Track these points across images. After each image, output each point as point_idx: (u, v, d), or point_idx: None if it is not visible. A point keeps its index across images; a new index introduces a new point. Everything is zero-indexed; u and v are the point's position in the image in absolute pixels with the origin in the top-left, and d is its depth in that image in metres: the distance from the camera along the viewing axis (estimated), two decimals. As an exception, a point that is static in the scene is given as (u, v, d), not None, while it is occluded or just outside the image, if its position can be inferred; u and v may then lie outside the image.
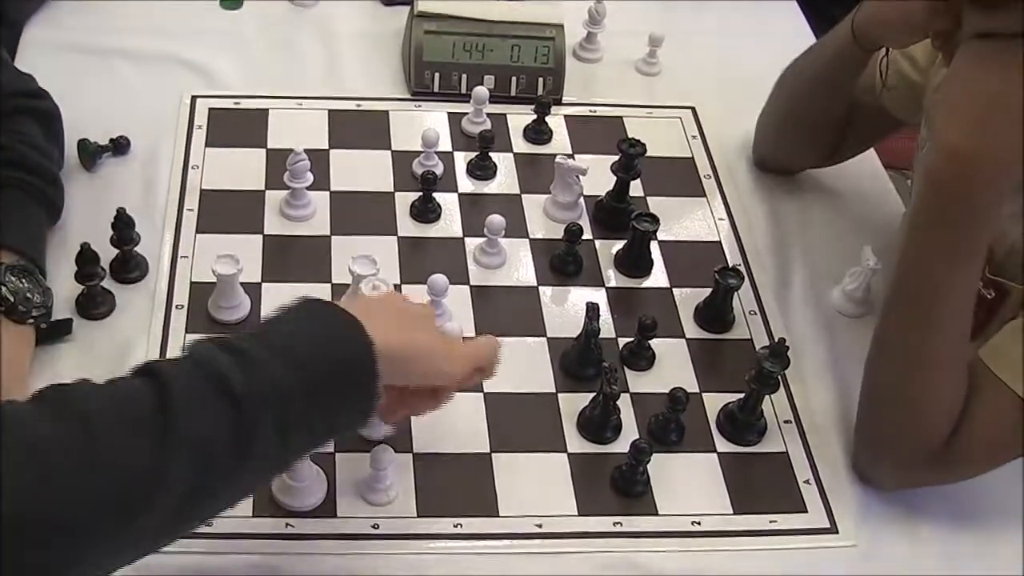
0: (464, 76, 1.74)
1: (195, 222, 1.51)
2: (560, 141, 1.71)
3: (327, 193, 1.57)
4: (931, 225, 1.20)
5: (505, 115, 1.73)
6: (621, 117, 1.77)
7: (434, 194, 1.55)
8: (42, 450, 0.86)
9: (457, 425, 1.32)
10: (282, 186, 1.52)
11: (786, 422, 1.38)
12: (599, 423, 1.33)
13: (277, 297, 1.40)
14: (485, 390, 1.36)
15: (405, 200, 1.57)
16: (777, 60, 1.67)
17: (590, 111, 1.78)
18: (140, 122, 1.62)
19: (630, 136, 1.59)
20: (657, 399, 1.35)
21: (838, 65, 1.51)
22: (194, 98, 1.69)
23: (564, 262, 1.51)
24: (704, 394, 1.40)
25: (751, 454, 1.35)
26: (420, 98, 1.75)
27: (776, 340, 1.33)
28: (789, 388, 1.41)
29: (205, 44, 1.78)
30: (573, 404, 1.36)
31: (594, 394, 1.34)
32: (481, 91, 1.67)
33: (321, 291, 1.43)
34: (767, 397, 1.35)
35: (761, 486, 1.32)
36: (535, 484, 1.29)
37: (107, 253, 1.40)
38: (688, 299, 1.50)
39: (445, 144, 1.66)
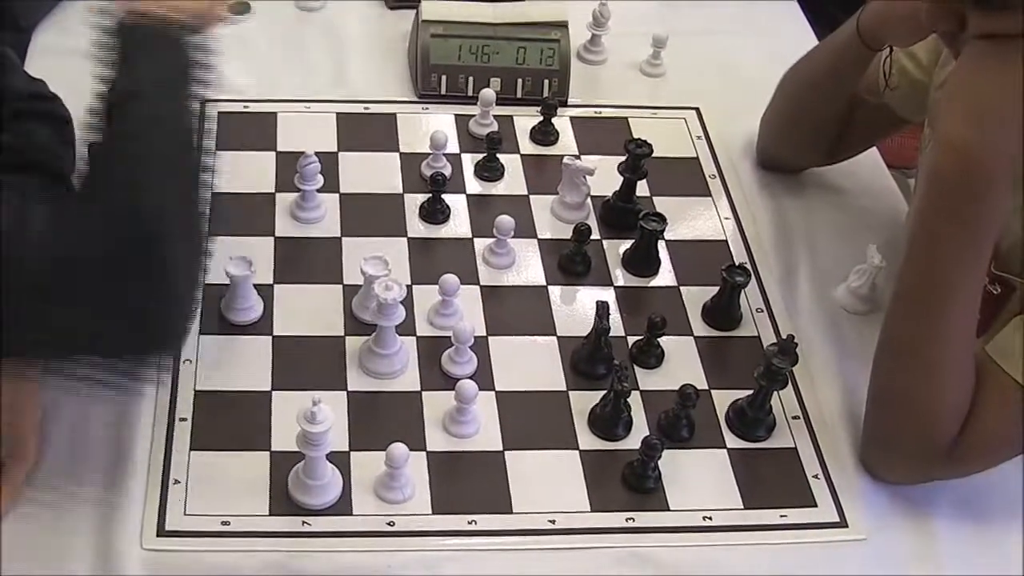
0: (470, 78, 1.75)
1: (207, 224, 1.51)
2: (566, 142, 1.73)
3: (337, 195, 1.58)
4: (936, 221, 1.21)
5: (512, 117, 1.75)
6: (626, 118, 1.78)
7: (443, 195, 1.57)
8: None
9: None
10: (292, 188, 1.54)
11: (794, 418, 1.40)
12: (610, 420, 1.34)
13: (289, 298, 1.43)
14: (496, 389, 1.38)
15: (414, 201, 1.59)
16: (779, 60, 1.69)
17: (595, 112, 1.79)
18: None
19: (636, 137, 1.61)
20: (667, 396, 1.36)
21: (842, 64, 1.53)
22: (203, 102, 1.69)
23: (573, 262, 1.52)
24: (713, 391, 1.41)
25: (760, 449, 1.36)
26: (427, 100, 1.76)
27: (784, 337, 1.34)
28: (797, 384, 1.43)
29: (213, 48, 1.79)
30: (584, 402, 1.37)
31: (605, 392, 1.35)
32: (488, 93, 1.68)
33: (333, 292, 1.46)
34: (775, 393, 1.37)
35: (771, 481, 1.34)
36: (548, 481, 1.30)
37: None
38: (696, 297, 1.51)
39: (452, 146, 1.68)
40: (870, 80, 1.54)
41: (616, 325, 1.45)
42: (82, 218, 1.08)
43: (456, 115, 1.74)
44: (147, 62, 1.19)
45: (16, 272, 1.03)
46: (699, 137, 1.77)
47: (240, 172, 1.60)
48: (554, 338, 1.44)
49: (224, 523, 1.23)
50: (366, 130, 1.70)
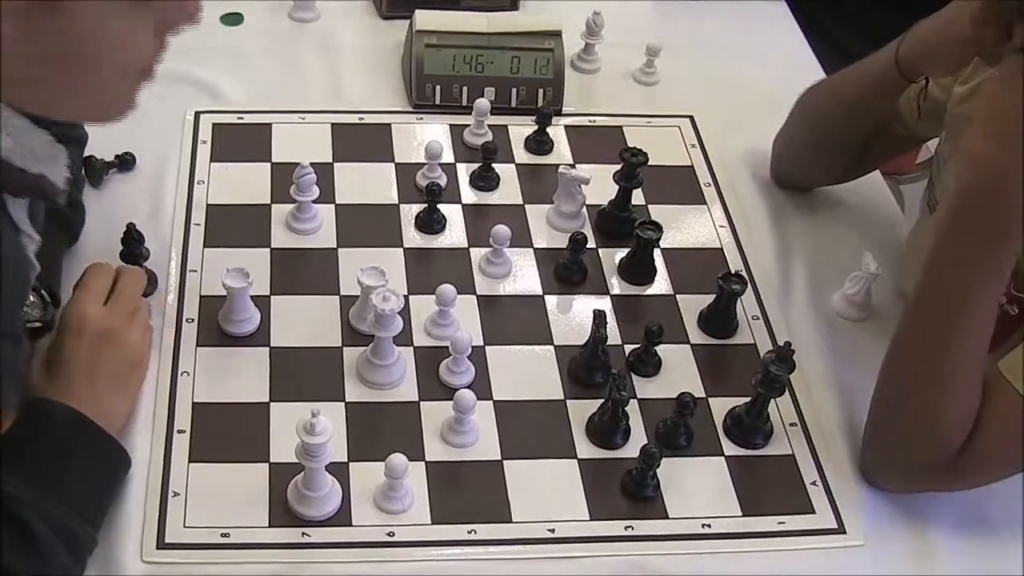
0: (465, 88, 1.75)
1: (203, 236, 1.52)
2: (561, 151, 1.73)
3: (332, 206, 1.58)
4: (959, 237, 1.20)
5: (506, 126, 1.75)
6: (621, 127, 1.79)
7: (438, 205, 1.57)
8: None
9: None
10: (288, 199, 1.54)
11: (791, 425, 1.40)
12: (608, 429, 1.34)
13: (287, 309, 1.44)
14: (494, 398, 1.38)
15: (410, 212, 1.59)
16: (772, 69, 1.70)
17: (590, 121, 1.80)
18: (145, 139, 1.63)
19: (630, 145, 1.61)
20: (664, 404, 1.37)
21: (875, 92, 1.51)
22: (198, 114, 1.70)
23: (569, 271, 1.53)
24: (710, 399, 1.41)
25: (758, 457, 1.37)
26: (421, 111, 1.77)
27: (781, 344, 1.34)
28: (794, 391, 1.43)
29: (207, 61, 1.80)
30: (582, 410, 1.37)
31: (603, 400, 1.35)
32: (483, 103, 1.69)
33: (330, 303, 1.46)
34: (773, 401, 1.37)
35: (769, 488, 1.34)
36: (546, 490, 1.31)
37: (118, 269, 1.41)
38: (692, 305, 1.52)
39: (448, 156, 1.68)
40: (904, 110, 1.54)
41: (613, 334, 1.45)
42: None
43: (451, 125, 1.75)
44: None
45: None
46: (693, 145, 1.77)
47: (235, 184, 1.61)
48: (551, 347, 1.45)
49: (224, 535, 1.23)
50: (361, 141, 1.71)
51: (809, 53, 1.98)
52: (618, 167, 1.57)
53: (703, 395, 1.41)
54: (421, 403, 1.37)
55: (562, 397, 1.39)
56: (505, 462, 1.32)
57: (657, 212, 1.64)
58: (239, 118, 1.71)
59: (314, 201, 1.53)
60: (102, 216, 1.51)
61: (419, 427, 1.34)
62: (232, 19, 1.89)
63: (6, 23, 0.99)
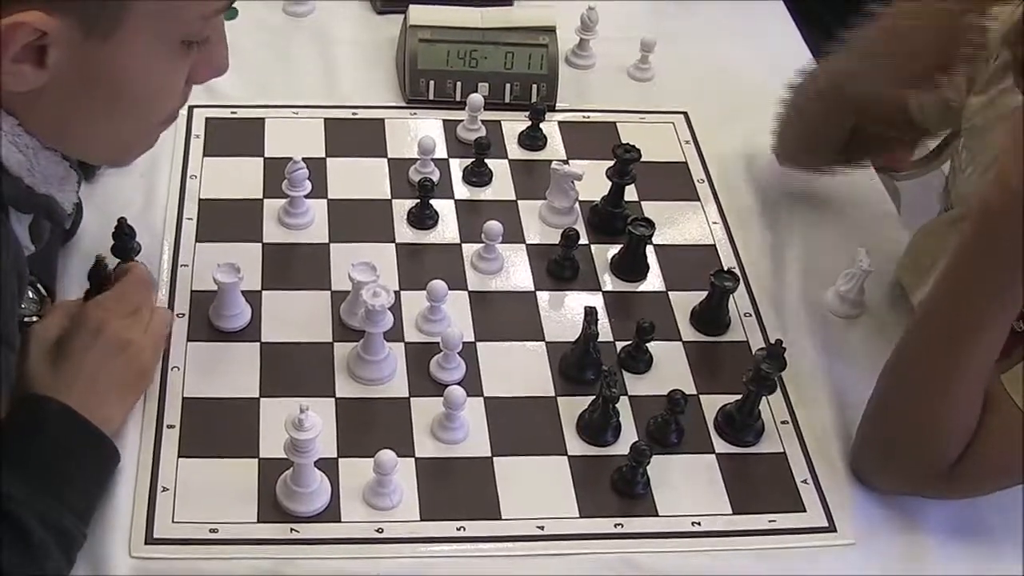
0: (458, 84, 1.75)
1: (195, 231, 1.52)
2: (555, 147, 1.73)
3: (325, 201, 1.58)
4: (978, 258, 1.19)
5: (500, 122, 1.74)
6: (615, 123, 1.78)
7: (431, 201, 1.57)
8: None
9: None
10: (280, 195, 1.53)
11: (783, 423, 1.40)
12: (599, 426, 1.34)
13: (278, 305, 1.43)
14: (485, 394, 1.37)
15: (402, 207, 1.58)
16: (767, 64, 1.70)
17: (584, 117, 1.79)
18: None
19: (624, 141, 1.61)
20: (655, 401, 1.36)
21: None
22: (191, 108, 1.70)
23: (561, 267, 1.52)
24: (701, 396, 1.41)
25: (749, 455, 1.36)
26: (415, 106, 1.76)
27: (773, 342, 1.34)
28: (785, 389, 1.42)
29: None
30: (573, 407, 1.37)
31: (593, 397, 1.35)
32: (476, 99, 1.68)
33: (321, 298, 1.45)
34: (764, 398, 1.36)
35: (760, 486, 1.34)
36: (536, 487, 1.30)
37: (109, 263, 1.41)
38: (684, 302, 1.51)
39: (441, 151, 1.68)
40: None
41: (604, 330, 1.45)
42: None
43: (444, 120, 1.74)
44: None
45: None
46: (687, 141, 1.77)
47: (228, 178, 1.60)
48: (543, 343, 1.44)
49: (212, 530, 1.23)
50: (354, 135, 1.70)
51: (804, 48, 1.97)
52: (611, 163, 1.57)
53: (694, 392, 1.41)
54: (411, 399, 1.36)
55: (553, 394, 1.39)
56: (495, 459, 1.32)
57: (650, 208, 1.63)
58: (232, 112, 1.71)
59: (306, 196, 1.53)
60: (96, 209, 1.50)
61: (409, 423, 1.34)
62: (228, 14, 1.87)
63: (54, 51, 1.00)
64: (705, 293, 1.48)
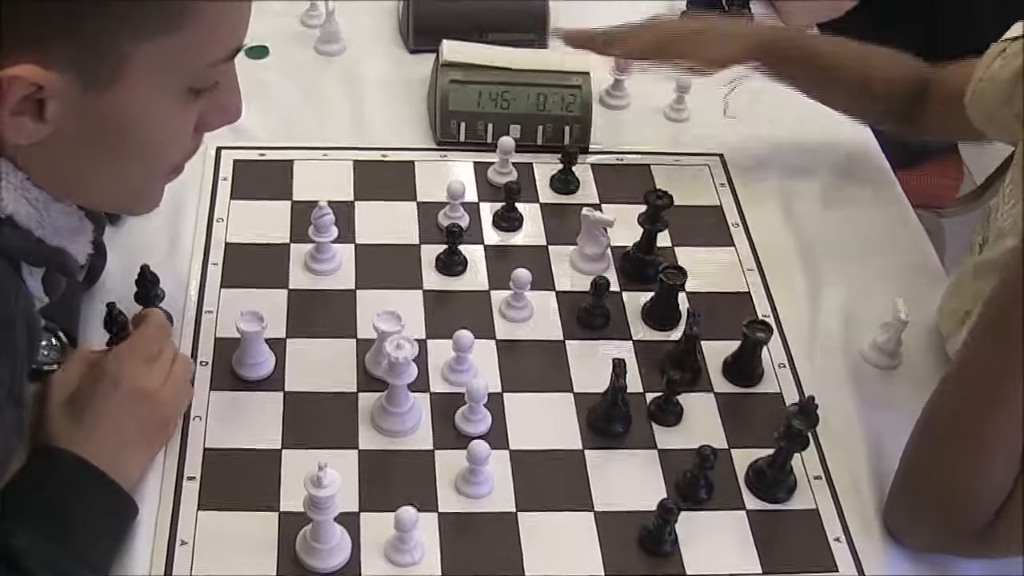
0: (490, 125, 1.73)
1: (220, 276, 1.50)
2: (587, 190, 1.70)
3: (352, 246, 1.56)
4: (1015, 302, 1.16)
5: (531, 164, 1.72)
6: (648, 165, 1.75)
7: (460, 246, 1.54)
8: None
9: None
10: (307, 239, 1.52)
11: (816, 478, 1.36)
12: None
13: (302, 353, 1.41)
14: (511, 447, 1.35)
15: (431, 252, 1.56)
16: (803, 105, 1.66)
17: (617, 159, 1.76)
18: (166, 175, 1.61)
19: (658, 185, 1.58)
20: (686, 455, 1.33)
21: None
22: (219, 150, 1.68)
23: (591, 315, 1.49)
24: (733, 450, 1.38)
25: (781, 511, 1.33)
26: (446, 148, 1.74)
27: (806, 397, 1.30)
28: (819, 443, 1.39)
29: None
30: (600, 461, 1.35)
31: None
32: (507, 141, 1.66)
33: (347, 346, 1.43)
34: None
35: (791, 544, 1.31)
36: (562, 543, 1.27)
37: (132, 309, 1.39)
38: (716, 352, 1.48)
39: (471, 195, 1.66)
40: (955, 87, 1.51)
41: (634, 381, 1.42)
42: None
43: (475, 162, 1.72)
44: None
45: None
46: (723, 184, 1.74)
47: (255, 222, 1.59)
48: (571, 394, 1.42)
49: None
50: (383, 178, 1.68)
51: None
52: (644, 208, 1.54)
53: (725, 446, 1.38)
54: (436, 451, 1.34)
55: (580, 447, 1.36)
56: (520, 514, 1.29)
57: (683, 254, 1.61)
58: (260, 155, 1.69)
59: (333, 241, 1.51)
60: (121, 254, 1.49)
61: (432, 476, 1.32)
62: (258, 52, 1.87)
63: (53, 104, 0.99)
64: (738, 342, 1.45)
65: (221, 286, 1.49)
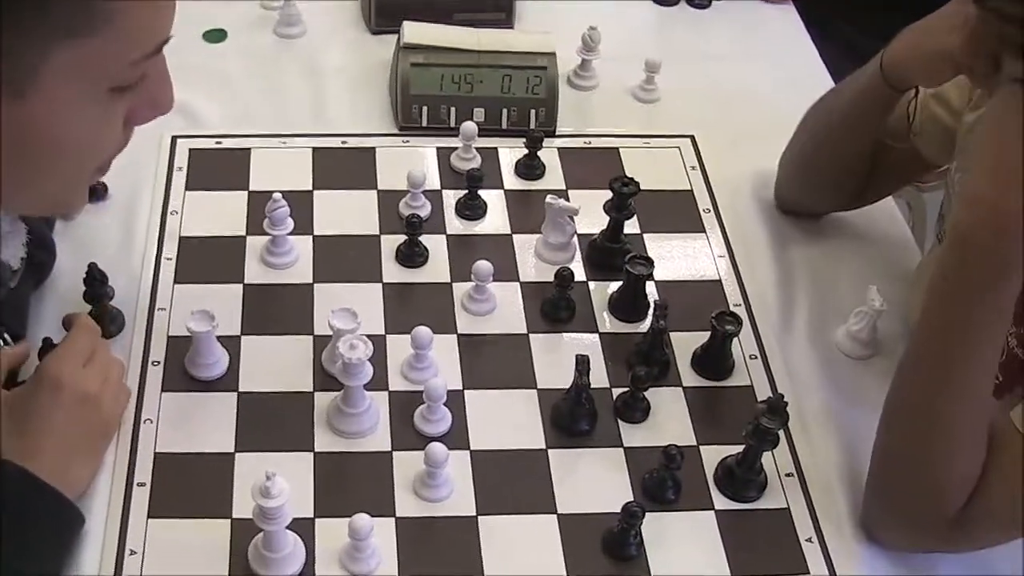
0: (453, 109, 1.68)
1: (173, 272, 1.46)
2: (553, 176, 1.65)
3: (310, 237, 1.52)
4: (957, 281, 1.13)
5: (496, 149, 1.67)
6: (617, 148, 1.71)
7: (421, 236, 1.50)
8: None
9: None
10: (264, 231, 1.47)
11: (788, 475, 1.32)
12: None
13: (257, 351, 1.37)
14: (471, 447, 1.31)
15: (391, 243, 1.52)
16: (781, 84, 1.62)
17: (585, 143, 1.71)
18: (118, 166, 1.53)
19: (627, 169, 1.53)
20: (652, 453, 1.29)
21: (865, 104, 1.44)
22: (174, 138, 1.63)
23: (556, 307, 1.45)
24: (702, 447, 1.34)
25: (751, 511, 1.29)
26: (408, 133, 1.69)
27: (776, 395, 1.26)
28: (791, 438, 1.35)
29: (186, 80, 1.71)
30: (564, 461, 1.31)
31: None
32: (469, 127, 1.61)
33: (303, 343, 1.39)
34: (767, 451, 1.29)
35: (761, 545, 1.27)
36: (523, 548, 1.24)
37: (81, 308, 1.35)
38: (685, 343, 1.43)
39: (434, 182, 1.61)
40: (895, 124, 1.46)
41: (600, 375, 1.38)
42: None
43: (438, 147, 1.67)
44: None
45: None
46: (693, 167, 1.69)
47: (210, 214, 1.54)
48: (535, 391, 1.37)
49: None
50: (343, 166, 1.63)
51: (821, 66, 1.89)
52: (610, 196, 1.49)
53: (694, 443, 1.34)
54: (394, 453, 1.30)
55: (543, 446, 1.32)
56: (480, 517, 1.25)
57: (652, 240, 1.56)
58: (217, 143, 1.65)
59: (290, 233, 1.47)
60: (72, 250, 1.45)
61: (390, 479, 1.27)
62: (215, 36, 1.82)
63: None
64: (708, 334, 1.41)
65: (175, 282, 1.45)
